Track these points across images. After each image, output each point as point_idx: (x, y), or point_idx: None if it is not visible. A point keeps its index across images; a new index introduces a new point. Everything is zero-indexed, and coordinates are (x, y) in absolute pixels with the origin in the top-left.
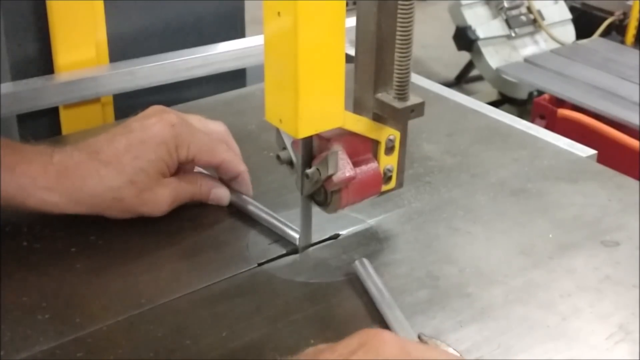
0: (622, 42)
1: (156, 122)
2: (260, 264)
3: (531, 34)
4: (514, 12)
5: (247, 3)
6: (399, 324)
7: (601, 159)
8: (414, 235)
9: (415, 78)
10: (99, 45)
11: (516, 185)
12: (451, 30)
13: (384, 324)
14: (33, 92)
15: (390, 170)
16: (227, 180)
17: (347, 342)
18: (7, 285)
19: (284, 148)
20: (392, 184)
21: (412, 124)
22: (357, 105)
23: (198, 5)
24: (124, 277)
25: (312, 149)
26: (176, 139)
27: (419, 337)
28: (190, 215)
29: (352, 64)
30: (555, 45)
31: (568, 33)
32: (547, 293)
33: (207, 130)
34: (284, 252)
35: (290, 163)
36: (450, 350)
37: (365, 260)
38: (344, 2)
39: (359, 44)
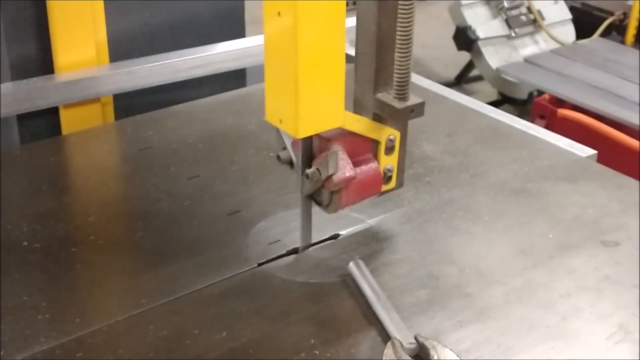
0: (622, 42)
1: None
2: (260, 264)
3: (531, 34)
4: (514, 12)
5: (247, 3)
6: (395, 325)
7: (601, 159)
8: (414, 235)
9: (415, 78)
10: (99, 45)
11: (516, 185)
12: (451, 30)
13: (381, 325)
14: (33, 92)
15: (390, 170)
16: None
17: None
18: (7, 285)
19: (284, 148)
20: (392, 184)
21: (412, 124)
22: (357, 105)
23: (198, 5)
24: (124, 277)
25: (312, 149)
26: None
27: (416, 338)
28: (190, 216)
29: (352, 64)
30: (555, 45)
31: (568, 33)
32: (547, 293)
33: None
34: (284, 252)
35: (290, 163)
36: (447, 351)
37: (360, 261)
38: (344, 2)
39: (359, 44)
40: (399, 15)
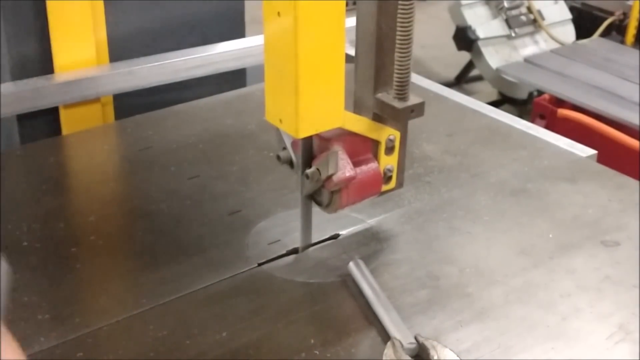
0: (622, 42)
1: None
2: (260, 264)
3: (531, 34)
4: (514, 12)
5: (247, 3)
6: (395, 325)
7: (601, 159)
8: (414, 235)
9: (415, 78)
10: (99, 45)
11: (516, 185)
12: (451, 30)
13: (381, 325)
14: (33, 92)
15: (390, 170)
16: None
17: None
18: None
19: (284, 148)
20: (392, 184)
21: (412, 124)
22: (357, 105)
23: (198, 5)
24: (124, 277)
25: (312, 149)
26: None
27: (416, 338)
28: (190, 216)
29: (352, 64)
30: (555, 45)
31: (568, 33)
32: (547, 293)
33: None
34: (284, 252)
35: (290, 163)
36: (447, 351)
37: (360, 261)
38: (344, 2)
39: (359, 44)
40: (399, 16)
